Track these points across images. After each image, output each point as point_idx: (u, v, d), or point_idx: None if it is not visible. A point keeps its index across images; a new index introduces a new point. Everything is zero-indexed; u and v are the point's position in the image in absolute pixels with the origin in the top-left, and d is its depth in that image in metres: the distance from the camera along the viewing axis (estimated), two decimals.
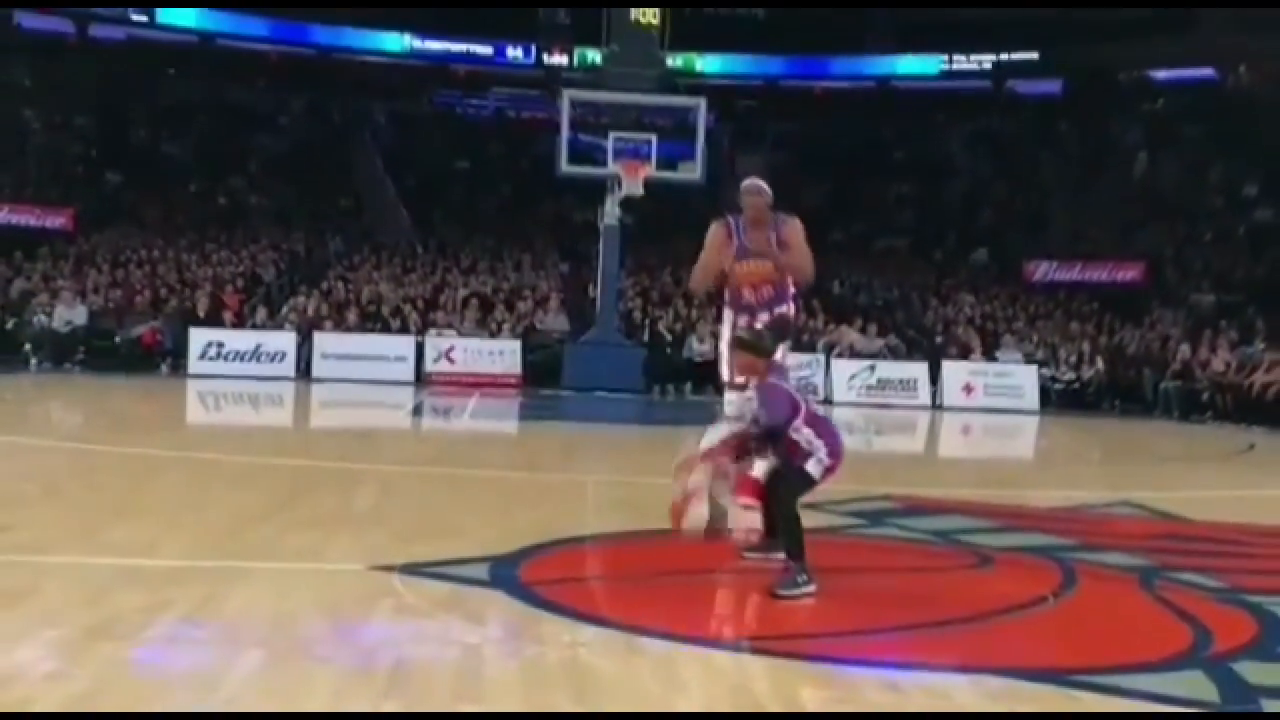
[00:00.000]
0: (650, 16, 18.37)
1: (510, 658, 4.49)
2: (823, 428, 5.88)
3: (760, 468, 7.74)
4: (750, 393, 8.12)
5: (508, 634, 4.82)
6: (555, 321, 22.57)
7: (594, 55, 35.54)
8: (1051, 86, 38.75)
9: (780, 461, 5.89)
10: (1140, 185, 33.00)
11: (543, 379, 20.36)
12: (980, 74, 39.30)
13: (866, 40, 40.36)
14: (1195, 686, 4.37)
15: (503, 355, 20.51)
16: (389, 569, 5.76)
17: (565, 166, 18.97)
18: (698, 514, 6.08)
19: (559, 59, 37.78)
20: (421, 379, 20.19)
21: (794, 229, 7.59)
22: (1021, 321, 24.10)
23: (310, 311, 22.00)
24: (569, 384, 19.70)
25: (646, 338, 20.90)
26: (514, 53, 38.48)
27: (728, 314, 7.91)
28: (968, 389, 20.07)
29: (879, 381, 19.87)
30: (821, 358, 20.25)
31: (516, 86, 39.15)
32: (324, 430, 15.19)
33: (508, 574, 5.84)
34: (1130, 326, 24.52)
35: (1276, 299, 24.87)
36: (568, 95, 18.64)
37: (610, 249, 19.90)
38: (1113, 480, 10.85)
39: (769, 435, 5.90)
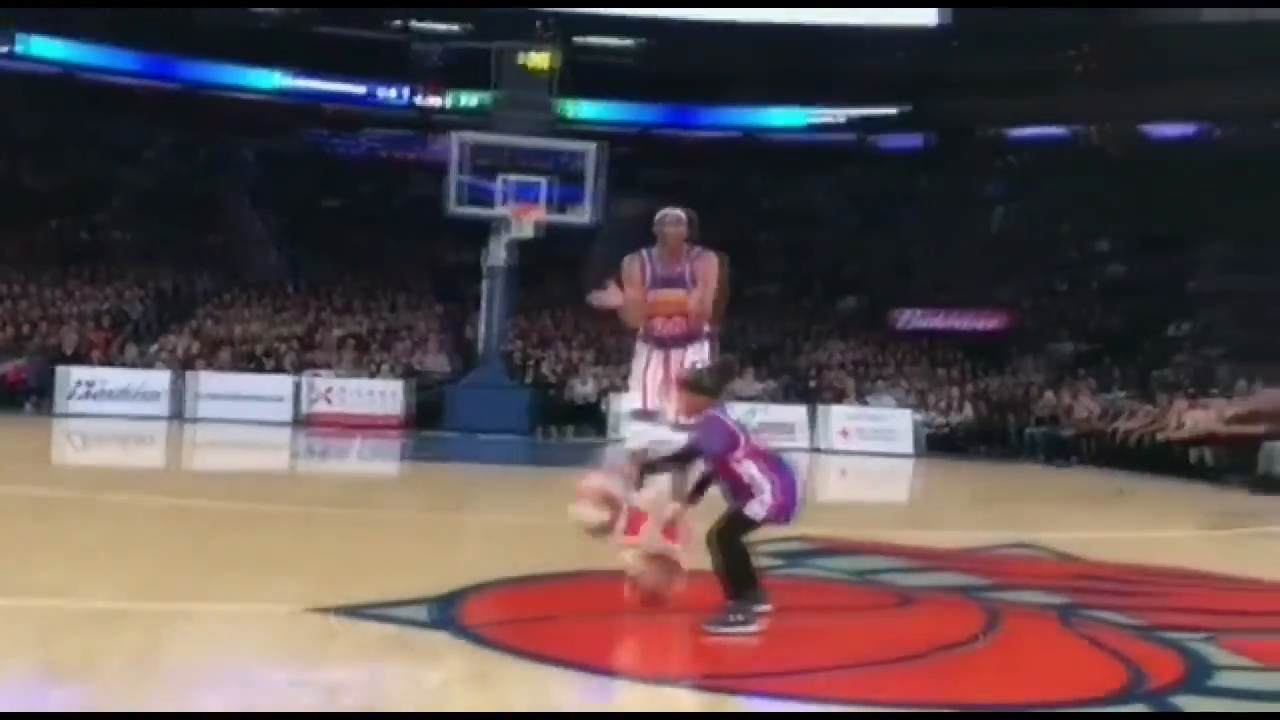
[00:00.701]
0: (540, 61, 18.50)
1: (474, 697, 4.49)
2: (770, 465, 5.96)
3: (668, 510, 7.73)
4: (661, 421, 8.24)
5: (467, 675, 4.82)
6: (435, 362, 22.45)
7: (469, 99, 35.70)
8: (912, 141, 40.03)
9: (727, 499, 5.99)
10: (998, 238, 34.24)
11: (425, 420, 20.20)
12: (844, 127, 40.38)
13: (734, 91, 41.18)
14: None
15: (384, 396, 20.31)
16: (325, 611, 5.69)
17: (454, 207, 18.96)
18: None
19: (433, 100, 37.67)
20: (300, 420, 19.85)
21: (709, 263, 7.69)
22: (891, 367, 24.74)
23: (182, 351, 21.50)
24: (453, 425, 19.58)
25: (530, 379, 20.89)
26: (386, 93, 38.26)
27: (640, 346, 7.99)
28: (845, 433, 20.53)
29: (760, 425, 20.14)
30: None
31: (389, 127, 38.95)
32: (216, 471, 14.82)
33: (448, 616, 5.81)
34: (994, 373, 25.37)
35: (1131, 348, 26.05)
36: (457, 137, 18.64)
37: (497, 290, 19.89)
38: (1005, 522, 11.21)
39: (694, 458, 6.02)
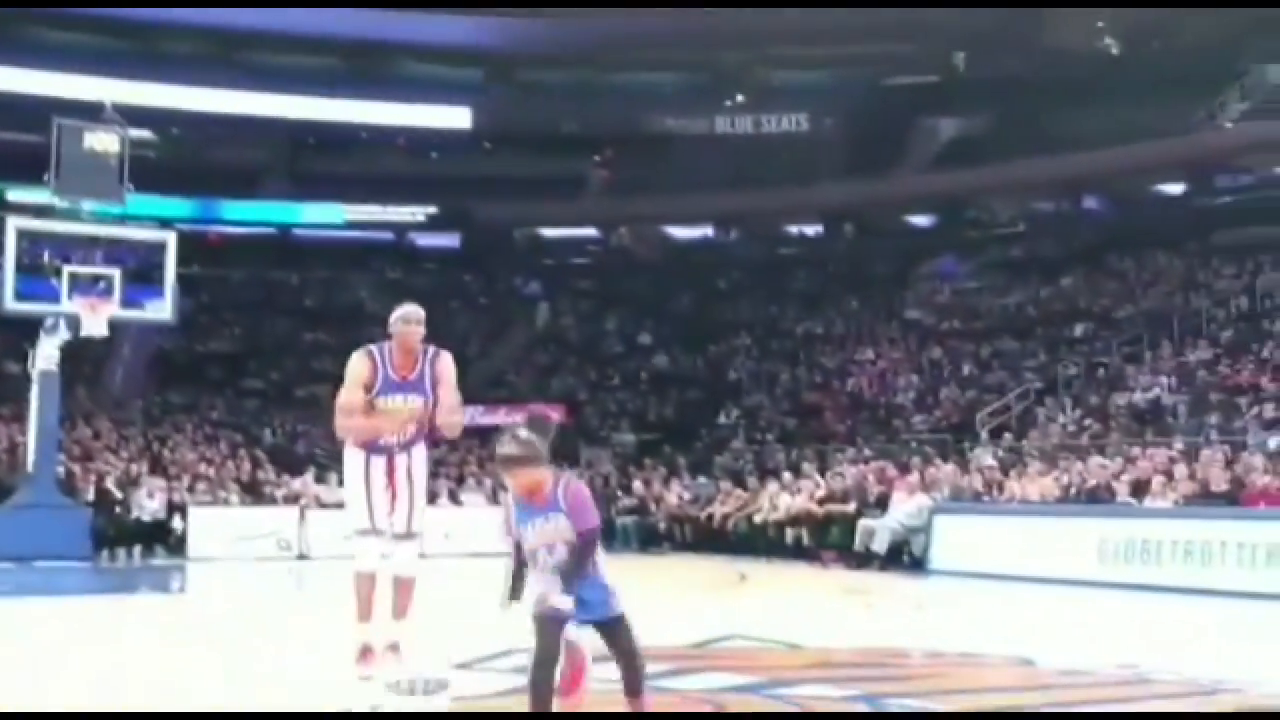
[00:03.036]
0: (108, 144, 16.78)
1: None
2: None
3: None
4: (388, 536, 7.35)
5: None
6: None
7: None
8: (451, 240, 40.21)
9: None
10: (545, 334, 34.93)
11: None
12: (382, 226, 39.93)
13: (264, 187, 39.75)
14: None
15: None
16: None
17: (10, 304, 16.64)
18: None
19: None
20: None
21: (447, 364, 7.09)
22: (473, 465, 24.34)
23: None
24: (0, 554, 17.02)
25: (92, 496, 18.63)
26: None
27: (354, 454, 7.17)
28: (447, 535, 19.77)
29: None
30: (295, 511, 19.18)
31: None
32: None
33: None
34: (566, 466, 25.59)
35: (688, 436, 27.22)
36: (14, 224, 16.45)
37: (48, 398, 17.65)
38: (684, 614, 11.05)
39: (585, 550, 5.20)
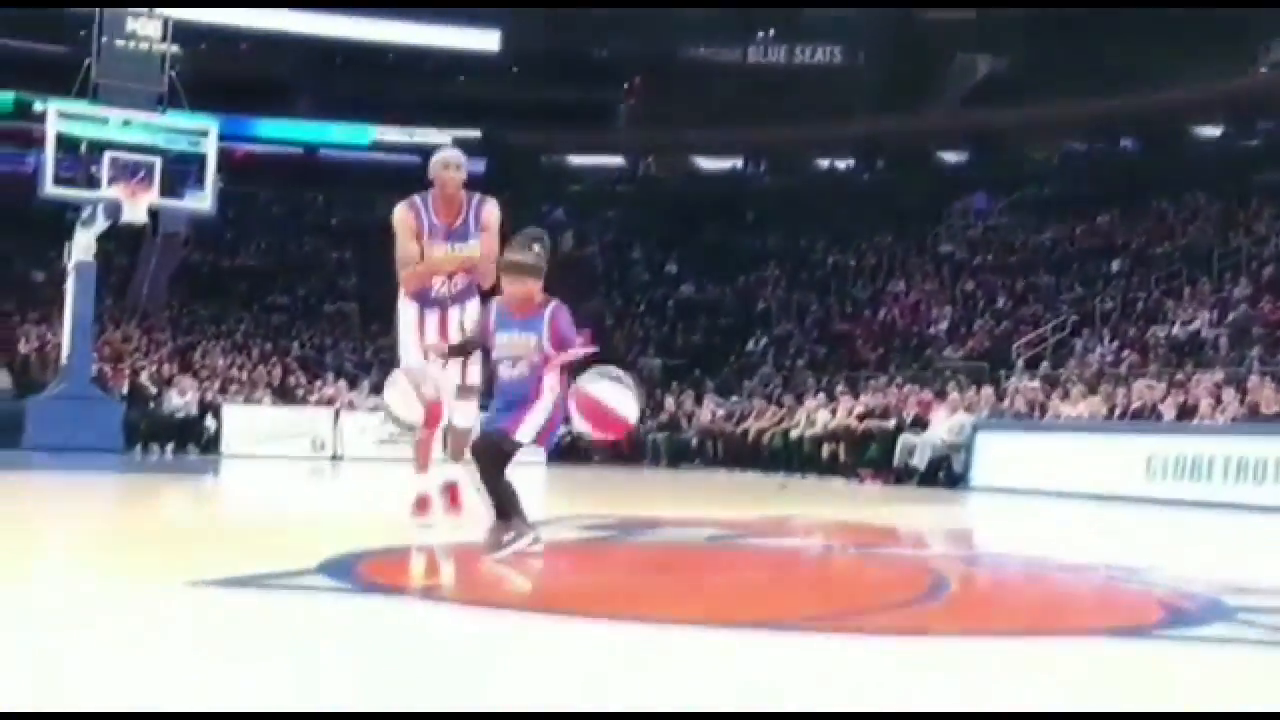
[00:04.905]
0: (150, 31, 16.51)
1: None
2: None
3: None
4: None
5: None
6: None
7: None
8: (476, 165, 39.75)
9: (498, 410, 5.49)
10: (571, 260, 34.64)
11: None
12: (409, 148, 39.58)
13: (289, 105, 39.44)
14: None
15: None
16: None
17: (50, 188, 16.44)
18: None
19: None
20: None
21: (494, 212, 6.89)
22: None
23: None
24: (33, 444, 16.98)
25: (126, 391, 18.55)
26: None
27: (408, 308, 7.00)
28: None
29: (391, 435, 19.10)
30: (329, 412, 19.13)
31: None
32: None
33: (361, 580, 4.77)
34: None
35: (715, 361, 27.08)
36: (54, 107, 16.22)
37: (84, 290, 17.52)
38: (735, 508, 10.93)
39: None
